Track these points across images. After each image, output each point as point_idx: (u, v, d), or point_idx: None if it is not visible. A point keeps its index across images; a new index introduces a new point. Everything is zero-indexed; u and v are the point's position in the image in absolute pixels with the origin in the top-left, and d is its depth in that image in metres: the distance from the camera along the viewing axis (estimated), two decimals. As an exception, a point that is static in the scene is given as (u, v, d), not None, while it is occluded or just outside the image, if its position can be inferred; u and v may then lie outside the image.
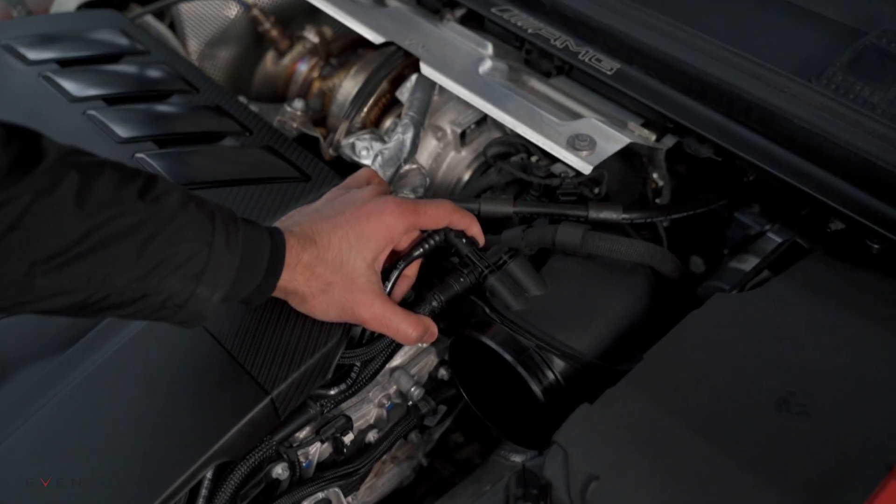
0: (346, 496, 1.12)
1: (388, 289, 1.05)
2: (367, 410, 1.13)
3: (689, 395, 0.93)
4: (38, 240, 0.78)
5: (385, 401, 1.15)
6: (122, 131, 1.29)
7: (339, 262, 0.97)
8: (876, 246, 1.07)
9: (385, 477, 1.28)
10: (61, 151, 0.81)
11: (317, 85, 1.62)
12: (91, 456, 0.96)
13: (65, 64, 1.44)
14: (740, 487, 0.84)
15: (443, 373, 1.20)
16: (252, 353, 1.00)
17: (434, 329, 1.05)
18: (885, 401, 0.90)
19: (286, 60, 1.66)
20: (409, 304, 1.07)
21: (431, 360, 1.19)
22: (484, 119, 1.37)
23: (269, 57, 1.71)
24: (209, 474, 0.97)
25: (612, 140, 1.18)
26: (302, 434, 1.07)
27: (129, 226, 0.82)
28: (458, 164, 1.38)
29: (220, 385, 0.99)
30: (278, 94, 1.68)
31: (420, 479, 1.44)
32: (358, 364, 1.06)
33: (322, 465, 1.11)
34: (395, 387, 1.15)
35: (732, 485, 0.85)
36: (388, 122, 1.44)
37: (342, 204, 1.02)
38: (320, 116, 1.54)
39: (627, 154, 1.29)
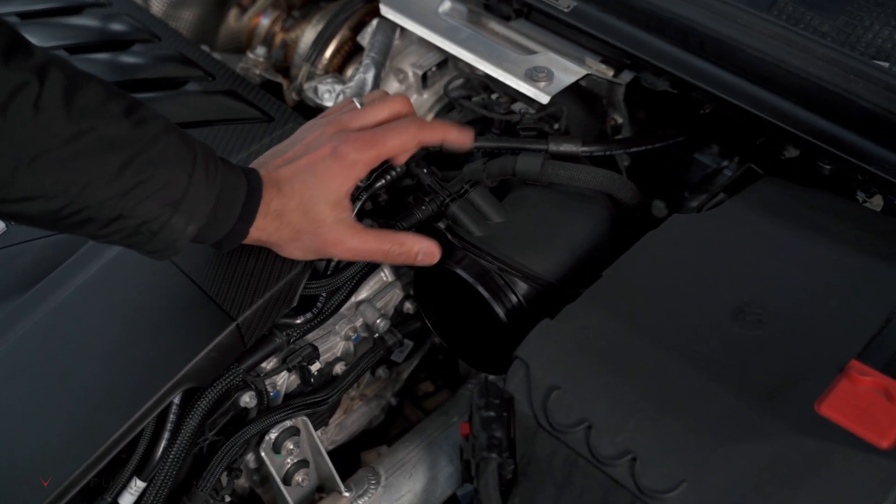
0: (315, 429, 1.13)
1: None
2: (333, 343, 1.14)
3: (646, 308, 0.94)
4: (24, 132, 0.77)
5: (351, 333, 1.16)
6: (83, 78, 1.29)
7: (304, 209, 0.97)
8: (828, 167, 1.09)
9: (354, 415, 1.30)
10: (49, 54, 0.81)
11: (279, 37, 1.62)
12: (58, 385, 0.97)
13: (25, 17, 1.44)
14: (697, 390, 0.86)
15: (409, 306, 1.21)
16: (217, 281, 1.01)
17: (428, 248, 1.03)
18: (836, 309, 0.93)
19: (248, 14, 1.67)
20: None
21: (397, 293, 1.20)
22: (445, 62, 1.39)
23: (232, 13, 1.71)
24: (177, 400, 0.99)
25: (569, 72, 1.20)
26: (269, 365, 1.08)
27: (112, 139, 0.82)
28: (421, 106, 1.39)
29: (186, 313, 1.00)
30: (241, 49, 1.69)
31: (390, 422, 1.46)
32: (323, 294, 1.08)
33: (290, 396, 1.12)
34: (361, 319, 1.17)
35: (689, 388, 0.86)
36: (350, 70, 1.45)
37: (303, 146, 1.01)
38: (283, 67, 1.55)
39: (587, 96, 1.31)
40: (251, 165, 1.00)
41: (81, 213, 0.83)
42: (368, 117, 1.03)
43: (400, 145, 1.03)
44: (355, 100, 1.06)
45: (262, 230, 0.96)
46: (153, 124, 0.86)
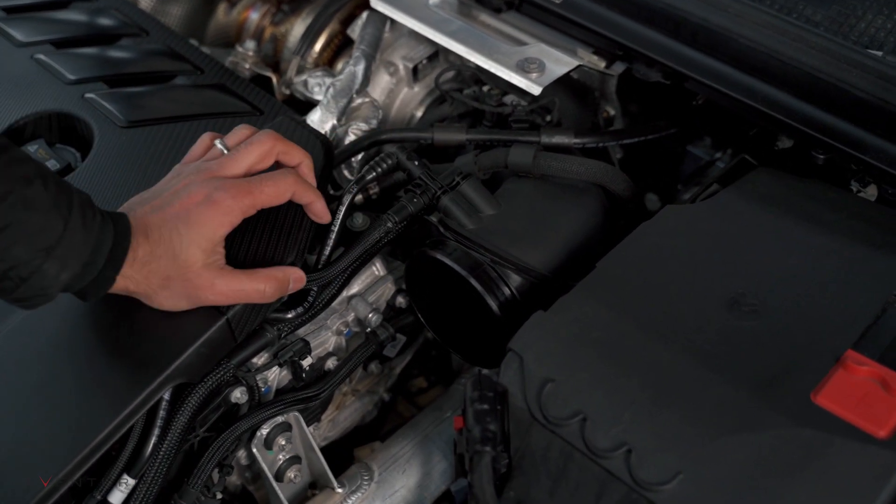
0: (307, 425, 1.12)
1: (338, 216, 1.06)
2: (325, 338, 1.14)
3: (641, 300, 0.94)
4: None
5: (343, 328, 1.15)
6: (71, 73, 1.28)
7: (173, 254, 0.93)
8: (821, 156, 1.09)
9: (347, 411, 1.29)
10: None
11: (269, 31, 1.61)
12: (45, 382, 0.96)
13: (11, 11, 1.43)
14: (692, 382, 0.85)
15: (401, 301, 1.20)
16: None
17: (296, 274, 1.01)
18: (832, 299, 0.92)
19: (237, 9, 1.66)
20: (365, 229, 1.08)
21: (389, 287, 1.19)
22: (436, 54, 1.38)
23: (221, 8, 1.70)
24: (166, 396, 0.97)
25: (561, 63, 1.19)
26: (260, 361, 1.07)
27: None
28: (412, 100, 1.38)
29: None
30: (231, 43, 1.67)
31: (383, 418, 1.45)
32: (314, 289, 1.07)
33: (281, 392, 1.11)
34: (352, 314, 1.16)
35: (684, 379, 0.86)
36: (340, 64, 1.44)
37: (171, 193, 0.96)
38: (273, 62, 1.54)
39: (579, 89, 1.31)
40: (123, 206, 0.97)
41: None
42: (239, 164, 0.99)
43: (276, 194, 0.99)
44: (218, 143, 1.02)
45: (128, 278, 0.92)
46: (26, 165, 0.83)
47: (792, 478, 0.78)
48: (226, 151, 1.00)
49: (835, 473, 0.78)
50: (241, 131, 1.04)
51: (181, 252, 0.92)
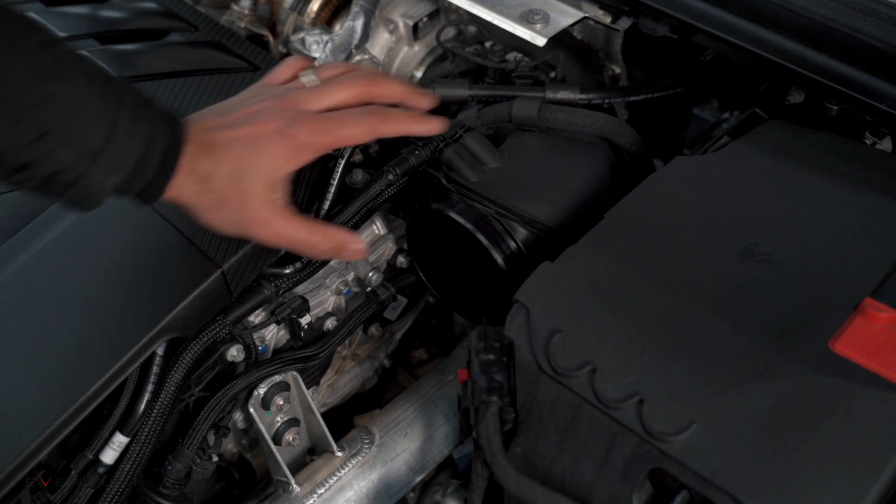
0: (306, 387, 1.09)
1: (337, 171, 1.02)
2: (324, 297, 1.11)
3: (650, 250, 0.91)
4: None
5: (342, 287, 1.12)
6: (61, 30, 1.25)
7: (234, 179, 0.88)
8: (835, 107, 1.05)
9: (346, 376, 1.26)
10: None
11: (265, -6, 1.58)
12: (36, 335, 0.93)
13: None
14: (705, 331, 0.83)
15: (402, 260, 1.17)
16: (201, 229, 0.96)
17: (356, 245, 0.96)
18: (847, 248, 0.89)
19: (233, -28, 1.62)
20: (366, 182, 1.04)
21: (390, 247, 1.16)
22: (436, 12, 1.35)
23: (218, -30, 1.67)
24: (160, 351, 0.95)
25: (565, 14, 1.17)
26: (257, 319, 1.04)
27: (20, 77, 0.75)
28: (412, 59, 1.35)
29: (170, 261, 0.97)
30: (227, 5, 1.64)
31: (383, 387, 1.43)
32: (313, 244, 1.04)
33: (279, 352, 1.08)
34: (352, 273, 1.13)
35: (697, 329, 0.83)
36: (339, 24, 1.41)
37: (247, 113, 0.92)
38: (270, 24, 1.50)
39: (583, 49, 1.28)
40: (195, 115, 0.92)
41: None
42: (324, 99, 0.94)
43: (355, 136, 0.94)
44: (305, 77, 0.96)
45: (182, 188, 0.87)
46: (71, 65, 0.78)
47: (812, 426, 0.75)
48: (310, 83, 0.95)
49: (855, 421, 0.75)
50: (333, 67, 0.99)
51: (243, 179, 0.88)
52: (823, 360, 0.79)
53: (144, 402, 0.95)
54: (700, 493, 0.75)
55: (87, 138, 0.78)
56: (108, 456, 0.95)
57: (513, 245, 1.00)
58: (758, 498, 0.72)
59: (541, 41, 1.13)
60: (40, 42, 0.77)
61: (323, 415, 1.20)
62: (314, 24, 1.38)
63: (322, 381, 1.20)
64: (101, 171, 0.80)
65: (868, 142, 1.07)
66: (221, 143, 0.88)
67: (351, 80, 0.96)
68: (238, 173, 0.88)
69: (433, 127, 1.00)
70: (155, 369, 0.95)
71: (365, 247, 0.97)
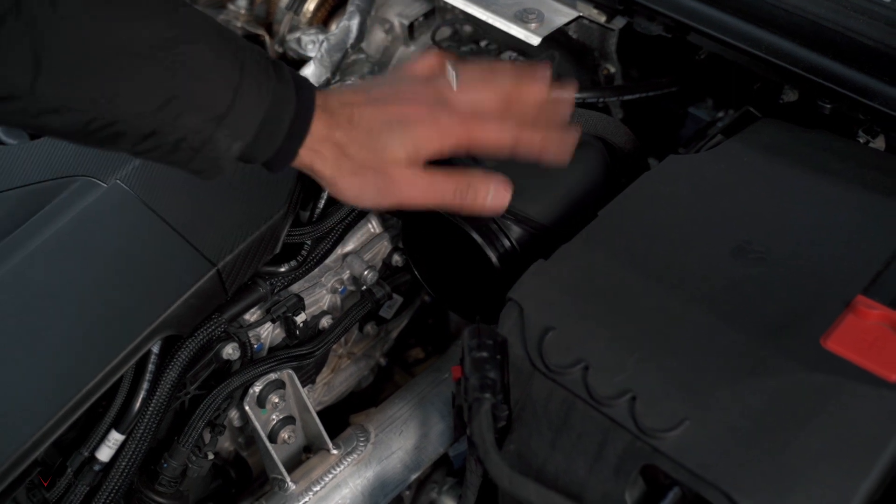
0: (302, 386, 1.10)
1: None
2: (319, 295, 1.11)
3: (643, 247, 0.91)
4: (40, 32, 0.69)
5: (338, 285, 1.12)
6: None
7: (376, 148, 0.86)
8: (828, 106, 1.06)
9: (342, 375, 1.26)
10: None
11: (262, -6, 1.58)
12: (31, 333, 0.93)
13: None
14: (698, 328, 0.83)
15: (397, 259, 1.18)
16: (196, 227, 0.98)
17: (502, 185, 0.92)
18: (840, 246, 0.90)
19: (229, -28, 1.62)
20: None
21: (385, 245, 1.17)
22: (432, 12, 1.35)
23: (215, -30, 1.67)
24: (156, 349, 0.95)
25: (560, 13, 1.17)
26: (253, 317, 1.05)
27: (145, 41, 0.73)
28: (408, 58, 1.36)
29: (165, 260, 0.97)
30: (224, 4, 1.64)
31: (379, 386, 1.43)
32: (308, 242, 1.04)
33: (275, 349, 1.09)
34: (348, 272, 1.13)
35: (690, 326, 0.83)
36: (335, 24, 1.41)
37: (395, 93, 0.90)
38: (266, 23, 1.51)
39: (578, 49, 1.28)
40: (331, 88, 0.90)
41: (112, 128, 0.75)
42: (470, 93, 0.91)
43: (495, 144, 0.90)
44: (451, 73, 0.92)
45: (316, 154, 0.85)
46: (195, 24, 0.77)
47: (803, 423, 0.75)
48: (453, 81, 0.92)
49: (847, 418, 0.75)
50: (476, 65, 0.95)
51: (387, 148, 0.86)
52: (815, 357, 0.79)
53: (140, 399, 0.95)
54: (692, 490, 0.75)
55: (212, 102, 0.77)
56: (104, 453, 0.95)
57: (507, 243, 1.00)
58: (750, 494, 0.72)
59: (535, 40, 1.13)
60: (163, 5, 0.76)
61: (319, 413, 1.21)
62: (310, 23, 1.38)
63: (318, 379, 1.21)
64: (226, 136, 0.79)
65: (861, 140, 1.07)
66: (364, 117, 0.87)
67: (497, 79, 0.93)
68: (380, 143, 0.86)
69: (564, 157, 0.95)
70: (150, 367, 0.95)
71: (509, 186, 0.93)
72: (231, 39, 0.80)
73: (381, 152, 0.86)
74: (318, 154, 0.86)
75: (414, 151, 0.87)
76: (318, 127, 0.84)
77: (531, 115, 0.93)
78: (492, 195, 0.92)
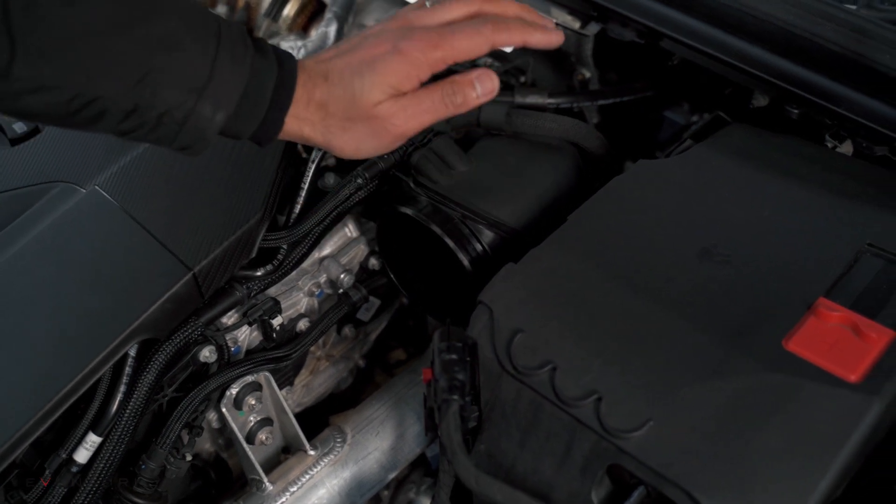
0: (279, 388, 1.11)
1: (308, 175, 1.03)
2: (296, 299, 1.12)
3: (612, 251, 0.93)
4: (16, 13, 0.70)
5: (315, 289, 1.14)
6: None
7: (352, 96, 0.86)
8: (796, 111, 1.07)
9: (321, 377, 1.28)
10: None
11: (242, 1, 1.59)
12: (9, 337, 0.94)
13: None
14: (663, 330, 0.84)
15: (374, 262, 1.19)
16: (172, 231, 0.99)
17: (482, 74, 0.91)
18: (804, 249, 0.91)
19: (211, -23, 1.64)
20: (337, 185, 1.06)
21: (362, 249, 1.18)
22: (410, 18, 1.36)
23: (196, -23, 1.68)
24: (132, 352, 0.96)
25: (534, 20, 1.18)
26: (230, 321, 1.06)
27: (116, 17, 0.74)
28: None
29: (142, 264, 0.98)
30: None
31: (359, 387, 1.44)
32: (284, 247, 1.05)
33: (252, 353, 1.10)
34: (324, 275, 1.15)
35: (655, 328, 0.85)
36: (314, 30, 1.42)
37: (361, 37, 0.90)
38: (248, 29, 1.52)
39: (555, 54, 1.29)
40: (303, 58, 0.90)
41: (93, 106, 0.76)
42: (438, 15, 0.91)
43: (470, 48, 0.90)
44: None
45: (304, 121, 0.86)
46: (162, 2, 0.77)
47: (763, 423, 0.77)
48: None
49: (807, 417, 0.77)
50: None
51: (362, 94, 0.86)
52: (777, 358, 0.80)
53: (117, 402, 0.97)
54: (656, 489, 0.77)
55: (189, 74, 0.78)
56: (82, 455, 0.96)
57: (479, 247, 1.01)
58: (710, 492, 0.74)
59: (508, 47, 1.15)
60: None
61: (299, 415, 1.22)
62: (290, 29, 1.39)
63: (297, 381, 1.22)
64: (209, 106, 0.80)
65: (829, 145, 1.09)
66: (336, 69, 0.87)
67: None
68: (354, 92, 0.86)
69: (550, 38, 0.95)
70: (127, 370, 0.96)
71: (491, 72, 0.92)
72: (205, 13, 0.81)
73: (360, 99, 0.87)
74: (304, 121, 0.87)
75: (390, 88, 0.87)
76: (300, 91, 0.85)
77: (503, 18, 0.94)
78: (479, 87, 0.92)
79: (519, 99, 1.15)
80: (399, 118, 0.88)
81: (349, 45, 0.90)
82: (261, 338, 1.10)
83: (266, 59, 0.83)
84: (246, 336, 1.08)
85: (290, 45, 1.30)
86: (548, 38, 0.95)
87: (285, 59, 0.85)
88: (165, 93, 0.77)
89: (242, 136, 0.85)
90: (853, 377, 0.78)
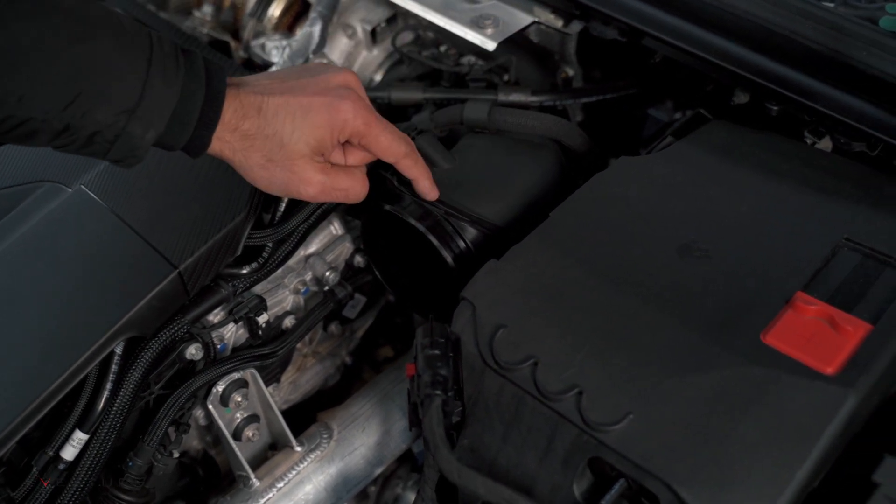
0: (266, 385, 1.12)
1: None
2: (282, 296, 1.13)
3: (593, 247, 0.94)
4: None
5: (300, 286, 1.14)
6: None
7: (280, 141, 0.89)
8: (775, 108, 1.09)
9: (308, 374, 1.28)
10: None
11: (227, 1, 1.60)
12: (-5, 335, 0.95)
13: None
14: (644, 325, 0.86)
15: (359, 260, 1.20)
16: (158, 230, 1.00)
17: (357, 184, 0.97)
18: (783, 244, 0.92)
19: (197, -22, 1.64)
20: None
21: (347, 247, 1.19)
22: (394, 17, 1.37)
23: (182, -21, 1.68)
24: (119, 350, 0.97)
25: (516, 19, 1.19)
26: (216, 318, 1.07)
27: (47, 39, 0.75)
28: (370, 63, 1.38)
29: (127, 262, 0.99)
30: (191, 11, 1.66)
31: (347, 384, 1.45)
32: (269, 245, 1.06)
33: (238, 350, 1.10)
34: (310, 273, 1.15)
35: (636, 323, 0.86)
36: (299, 30, 1.43)
37: (304, 81, 0.92)
38: (233, 29, 1.52)
39: (539, 52, 1.30)
40: (246, 77, 0.93)
41: (25, 126, 0.77)
42: (371, 109, 0.96)
43: (387, 146, 0.96)
44: None
45: (226, 144, 0.88)
46: (97, 20, 0.78)
47: (741, 415, 0.78)
48: None
49: (784, 410, 0.78)
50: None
51: (290, 142, 0.89)
52: (755, 351, 0.82)
53: (103, 399, 0.97)
54: (637, 481, 0.78)
55: (120, 96, 0.79)
56: (69, 453, 0.97)
57: (462, 244, 1.02)
58: (690, 484, 0.75)
59: (490, 45, 1.16)
60: (62, 5, 0.77)
61: (288, 411, 1.23)
62: (275, 29, 1.40)
63: (283, 378, 1.23)
64: (140, 126, 0.81)
65: (808, 141, 1.10)
66: (271, 106, 0.89)
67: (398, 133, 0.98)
68: (282, 136, 0.89)
69: (432, 193, 1.03)
70: (114, 368, 0.97)
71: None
72: (138, 33, 0.81)
73: (286, 147, 0.90)
74: (228, 144, 0.88)
75: (316, 144, 0.91)
76: (229, 116, 0.87)
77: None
78: (351, 197, 0.97)
79: (502, 97, 1.17)
80: (313, 188, 0.93)
81: (292, 82, 0.92)
82: (247, 335, 1.11)
83: (196, 81, 0.84)
84: (232, 333, 1.09)
85: (275, 44, 1.31)
86: (429, 191, 1.02)
87: (214, 78, 0.86)
88: (96, 114, 0.79)
89: (174, 149, 0.87)
90: (830, 370, 0.79)
